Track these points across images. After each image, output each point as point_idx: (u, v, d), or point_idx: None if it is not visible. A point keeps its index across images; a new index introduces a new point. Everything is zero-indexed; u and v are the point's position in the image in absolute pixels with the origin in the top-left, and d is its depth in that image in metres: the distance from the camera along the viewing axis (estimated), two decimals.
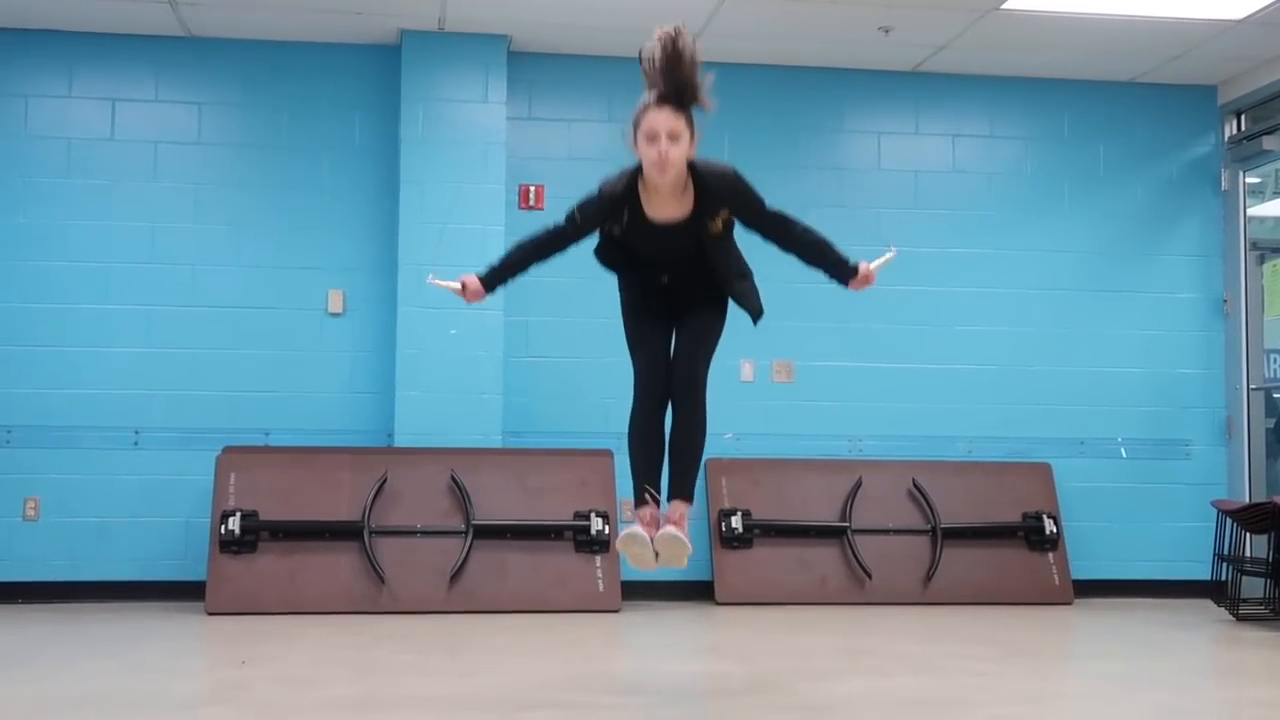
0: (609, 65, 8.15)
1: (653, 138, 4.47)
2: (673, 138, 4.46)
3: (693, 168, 4.61)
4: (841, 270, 4.91)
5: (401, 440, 7.66)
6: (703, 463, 5.00)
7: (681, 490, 4.77)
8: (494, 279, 4.84)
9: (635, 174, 4.63)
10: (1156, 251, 8.53)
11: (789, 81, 8.32)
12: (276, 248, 7.87)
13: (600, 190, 4.69)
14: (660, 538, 4.61)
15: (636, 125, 4.55)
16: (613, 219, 4.67)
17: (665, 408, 4.82)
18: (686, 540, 4.64)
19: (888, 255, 4.97)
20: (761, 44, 7.96)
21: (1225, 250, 8.51)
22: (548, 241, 4.78)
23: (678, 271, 4.79)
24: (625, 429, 4.88)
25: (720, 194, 4.64)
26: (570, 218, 4.69)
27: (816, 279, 8.08)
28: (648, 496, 4.71)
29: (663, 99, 4.50)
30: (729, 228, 4.76)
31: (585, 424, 7.83)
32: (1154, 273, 8.51)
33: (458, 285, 4.81)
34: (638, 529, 4.64)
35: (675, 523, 4.68)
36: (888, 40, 7.82)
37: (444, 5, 7.43)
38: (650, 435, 4.78)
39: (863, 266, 4.88)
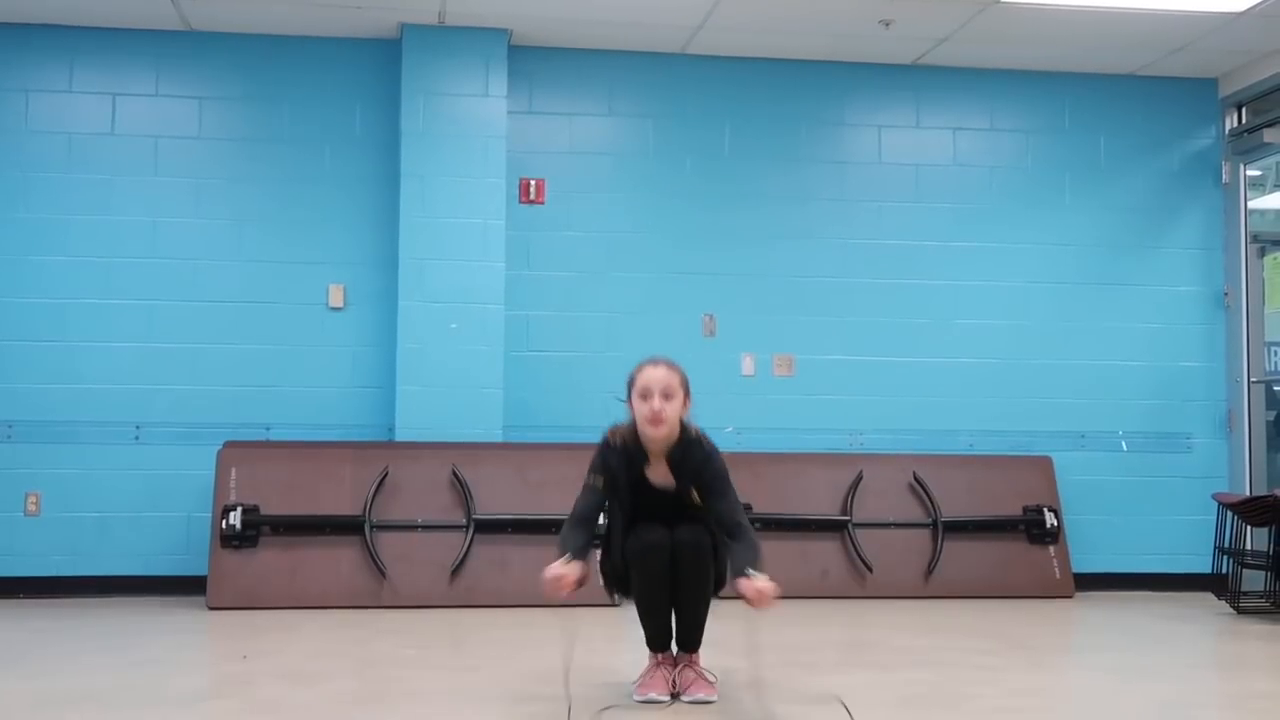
0: (610, 59, 8.16)
1: (646, 395, 4.59)
2: (666, 395, 4.57)
3: (684, 441, 4.64)
4: (735, 570, 4.57)
5: (402, 435, 7.66)
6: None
7: (682, 640, 4.73)
8: (581, 555, 4.66)
9: (636, 454, 4.66)
10: (1157, 244, 8.53)
11: (789, 75, 8.32)
12: (277, 242, 7.87)
13: (604, 442, 4.72)
14: (690, 700, 4.60)
15: (630, 385, 4.65)
16: (621, 468, 4.65)
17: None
18: (714, 688, 4.65)
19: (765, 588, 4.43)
20: (762, 37, 7.96)
21: (1226, 243, 8.51)
22: (594, 512, 4.71)
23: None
24: None
25: (689, 473, 4.66)
26: (591, 486, 4.69)
27: (818, 273, 8.23)
28: (658, 654, 4.70)
29: (656, 360, 4.67)
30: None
31: (586, 418, 7.76)
32: (1155, 266, 8.51)
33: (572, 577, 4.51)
34: (654, 694, 4.59)
35: (697, 675, 4.66)
36: (888, 33, 7.81)
37: None
38: (653, 588, 4.65)
39: (748, 586, 4.44)
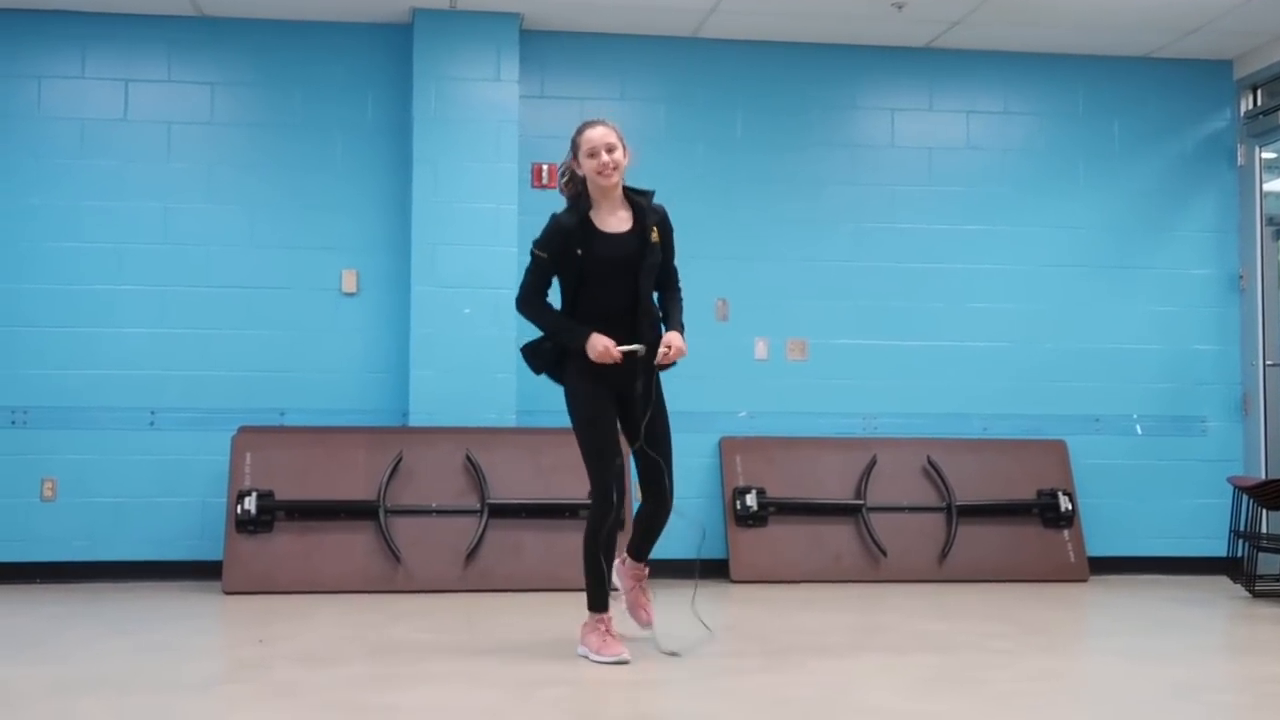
0: (622, 43, 8.15)
1: (594, 153, 5.14)
2: (610, 150, 5.14)
3: (629, 194, 5.25)
4: (669, 325, 5.38)
5: (416, 419, 7.67)
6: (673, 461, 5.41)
7: (643, 554, 5.53)
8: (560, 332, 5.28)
9: (583, 205, 5.21)
10: (1172, 227, 8.50)
11: (802, 59, 8.29)
12: (290, 228, 7.88)
13: (550, 222, 5.23)
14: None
15: (575, 149, 5.22)
16: (571, 241, 5.15)
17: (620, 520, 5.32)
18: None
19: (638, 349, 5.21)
20: (774, 21, 7.93)
21: (1241, 226, 8.48)
22: (542, 282, 5.27)
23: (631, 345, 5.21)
24: None
25: (652, 215, 5.26)
26: (535, 255, 5.22)
27: (832, 257, 8.22)
28: (608, 615, 5.19)
29: (593, 121, 5.24)
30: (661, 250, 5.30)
31: None
32: (1169, 249, 8.48)
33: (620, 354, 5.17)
34: (625, 653, 5.05)
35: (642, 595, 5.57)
36: (901, 16, 7.79)
37: None
38: (610, 549, 5.24)
39: (675, 340, 5.26)
